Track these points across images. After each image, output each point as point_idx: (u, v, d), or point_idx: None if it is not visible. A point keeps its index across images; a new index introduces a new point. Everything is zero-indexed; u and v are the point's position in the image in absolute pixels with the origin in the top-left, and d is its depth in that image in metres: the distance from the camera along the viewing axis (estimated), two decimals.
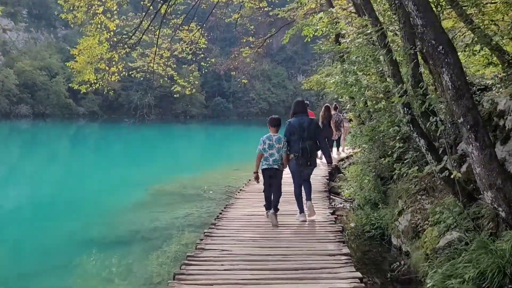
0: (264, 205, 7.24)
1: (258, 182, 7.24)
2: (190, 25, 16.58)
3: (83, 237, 8.44)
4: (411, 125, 5.88)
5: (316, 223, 6.71)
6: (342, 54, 9.44)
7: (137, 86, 75.74)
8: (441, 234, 5.68)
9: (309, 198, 7.18)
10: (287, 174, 7.18)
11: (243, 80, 16.90)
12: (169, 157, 24.12)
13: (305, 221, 6.92)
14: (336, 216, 7.63)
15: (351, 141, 9.58)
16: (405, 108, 5.85)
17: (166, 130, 51.67)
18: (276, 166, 6.80)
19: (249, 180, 10.92)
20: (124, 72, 15.21)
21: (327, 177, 11.59)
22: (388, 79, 7.62)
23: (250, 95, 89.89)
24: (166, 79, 17.72)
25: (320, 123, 13.50)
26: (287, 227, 6.50)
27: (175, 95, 16.97)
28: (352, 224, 8.61)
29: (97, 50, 13.10)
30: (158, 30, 14.33)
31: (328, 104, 14.17)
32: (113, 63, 14.64)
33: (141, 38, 14.08)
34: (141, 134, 41.99)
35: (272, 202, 6.93)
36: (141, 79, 16.97)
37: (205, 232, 6.08)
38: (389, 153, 7.70)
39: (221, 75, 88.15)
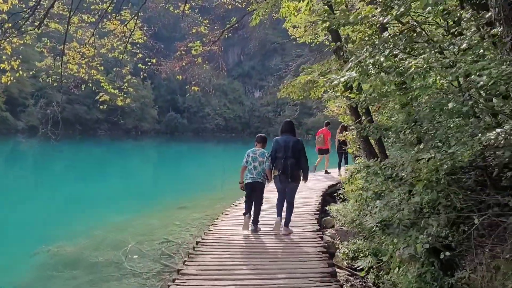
0: (243, 213, 7.23)
1: (243, 190, 7.33)
2: (123, 13, 12.35)
3: None
4: None
5: None
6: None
7: (83, 99, 70.21)
8: None
9: (286, 224, 7.17)
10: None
11: (193, 88, 12.63)
12: (93, 190, 17.52)
13: (280, 222, 7.15)
14: None
15: (365, 183, 5.65)
16: None
17: (110, 149, 46.07)
18: (259, 180, 7.02)
19: (201, 238, 6.66)
20: (20, 72, 10.63)
21: (319, 229, 7.59)
22: None
23: (206, 110, 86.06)
24: (90, 85, 13.29)
25: (337, 140, 14.30)
26: None
27: (101, 106, 12.59)
28: None
29: None
30: (69, 14, 10.02)
31: (345, 124, 12.93)
32: (3, 58, 10.23)
33: (42, 21, 9.71)
34: (77, 154, 36.18)
35: (253, 215, 7.15)
36: (53, 84, 12.33)
37: None
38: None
39: (175, 88, 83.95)
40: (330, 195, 12.16)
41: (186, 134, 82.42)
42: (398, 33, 4.99)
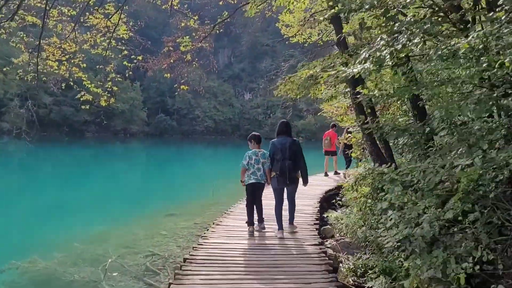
0: (246, 222, 7.12)
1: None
2: (106, 7, 11.54)
3: None
4: None
5: None
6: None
7: (71, 101, 68.97)
8: None
9: (291, 221, 7.19)
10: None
11: (182, 87, 11.84)
12: (75, 196, 16.20)
13: (283, 238, 6.79)
14: None
15: (380, 192, 4.94)
16: None
17: (97, 152, 44.82)
18: (263, 181, 7.01)
19: (189, 254, 5.84)
20: None
21: (322, 242, 6.83)
22: None
23: (196, 112, 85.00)
24: (72, 83, 12.47)
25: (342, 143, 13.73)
26: None
27: (83, 106, 11.77)
28: None
29: None
30: (46, 6, 9.18)
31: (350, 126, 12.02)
32: None
33: (16, 12, 8.87)
34: (60, 157, 34.81)
35: (257, 214, 7.13)
36: (33, 83, 11.44)
37: None
38: None
39: (164, 90, 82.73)
40: (327, 201, 11.47)
41: (175, 136, 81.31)
42: (420, 18, 4.29)
